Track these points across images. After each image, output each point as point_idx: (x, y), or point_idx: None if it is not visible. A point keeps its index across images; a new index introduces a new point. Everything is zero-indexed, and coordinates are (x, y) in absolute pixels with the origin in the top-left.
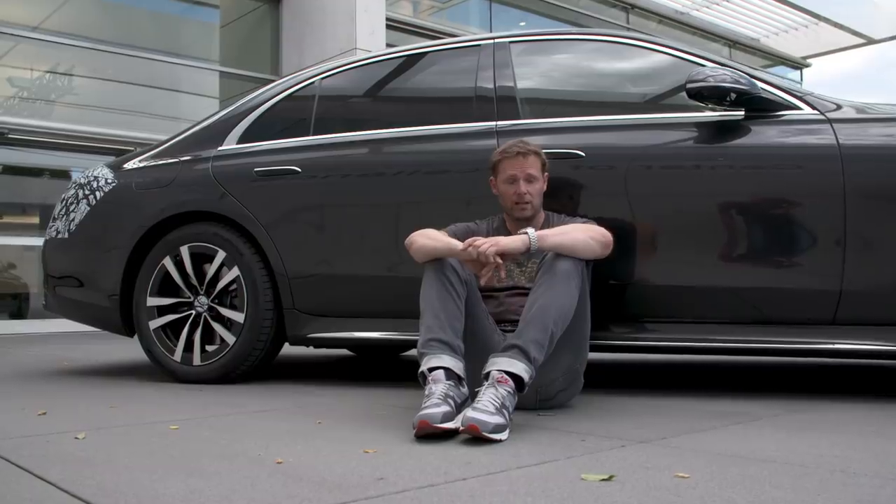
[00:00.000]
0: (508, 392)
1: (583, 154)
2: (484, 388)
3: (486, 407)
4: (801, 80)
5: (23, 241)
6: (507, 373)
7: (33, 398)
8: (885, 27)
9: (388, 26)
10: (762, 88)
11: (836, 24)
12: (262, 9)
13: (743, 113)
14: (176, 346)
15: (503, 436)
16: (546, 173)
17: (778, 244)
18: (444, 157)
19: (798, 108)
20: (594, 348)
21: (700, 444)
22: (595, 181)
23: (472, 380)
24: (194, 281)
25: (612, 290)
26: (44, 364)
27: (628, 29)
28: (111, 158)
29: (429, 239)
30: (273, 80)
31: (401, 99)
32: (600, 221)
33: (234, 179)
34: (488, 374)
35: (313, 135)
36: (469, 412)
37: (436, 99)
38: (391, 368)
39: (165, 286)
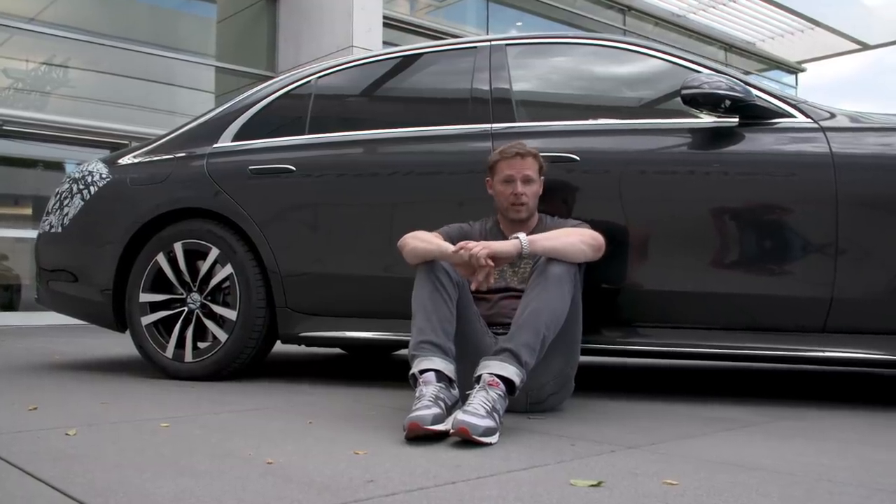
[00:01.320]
0: (499, 395)
1: (577, 158)
2: (475, 391)
3: (477, 410)
4: (797, 84)
5: (15, 233)
6: (499, 376)
7: (24, 393)
8: (880, 33)
9: (384, 24)
10: (757, 96)
11: (831, 29)
12: (260, 5)
13: (737, 120)
14: (168, 342)
15: (493, 439)
16: (542, 177)
17: (770, 251)
18: (438, 158)
19: (792, 115)
20: (585, 352)
21: (689, 451)
22: (589, 185)
23: (462, 382)
24: (187, 278)
25: (604, 294)
26: (35, 358)
27: (624, 31)
28: (105, 152)
29: (420, 241)
30: (269, 77)
31: (396, 99)
32: (593, 225)
33: (229, 177)
34: (479, 377)
35: (308, 134)
36: (459, 415)
37: (431, 100)
38: (383, 368)
39: (158, 282)
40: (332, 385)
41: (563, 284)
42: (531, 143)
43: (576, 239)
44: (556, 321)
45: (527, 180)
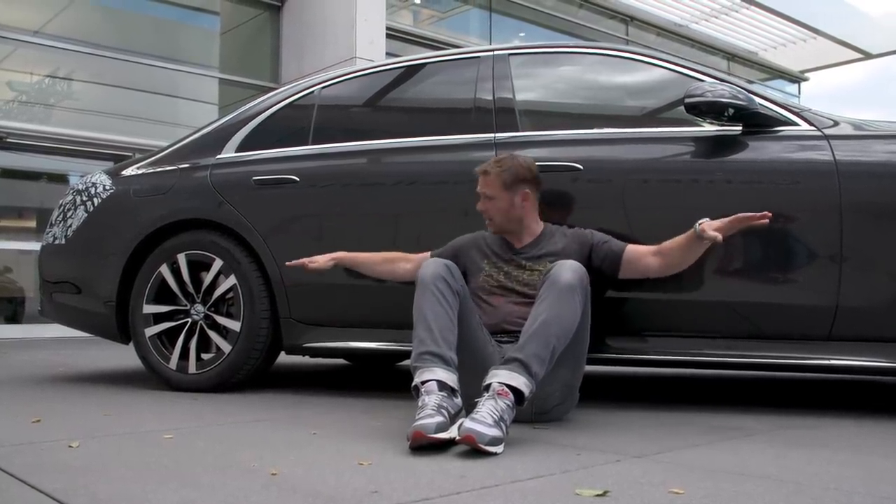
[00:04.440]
0: (508, 405)
1: (581, 167)
2: (483, 399)
3: (485, 419)
4: (799, 93)
5: (19, 245)
6: (508, 386)
7: (27, 405)
8: (883, 42)
9: (387, 35)
10: (760, 104)
11: (833, 39)
12: (263, 16)
13: (740, 128)
14: (171, 353)
15: (499, 449)
16: (523, 188)
17: (774, 259)
18: (442, 168)
19: (795, 124)
20: (590, 361)
21: (695, 460)
22: (593, 194)
23: (465, 392)
24: (191, 289)
25: (608, 303)
26: (38, 370)
27: (627, 41)
28: (109, 164)
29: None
30: (272, 88)
31: (400, 109)
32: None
33: (233, 188)
34: (489, 385)
35: (312, 144)
36: (467, 423)
37: (435, 110)
38: (387, 378)
39: (162, 294)
40: (336, 396)
41: (574, 295)
42: (535, 153)
43: None
44: (567, 333)
45: (486, 197)
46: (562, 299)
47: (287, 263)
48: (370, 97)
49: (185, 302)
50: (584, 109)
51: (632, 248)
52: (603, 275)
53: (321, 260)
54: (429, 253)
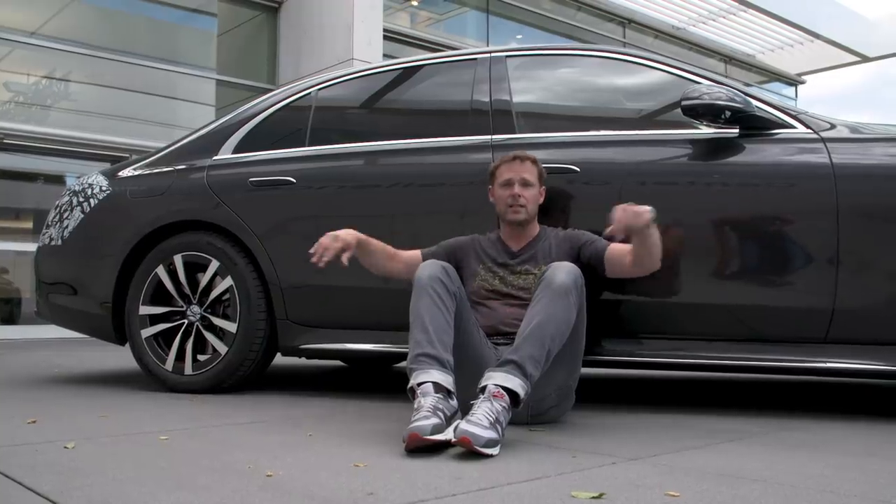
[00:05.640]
0: (503, 407)
1: (577, 169)
2: (479, 401)
3: (481, 421)
4: (797, 96)
5: (16, 246)
6: (504, 388)
7: (23, 406)
8: (880, 45)
9: (385, 37)
10: (757, 107)
11: (830, 42)
12: (260, 18)
13: (737, 131)
14: (167, 355)
15: (495, 451)
16: (543, 186)
17: (771, 262)
18: (439, 169)
19: (792, 126)
20: (586, 364)
21: (691, 462)
22: (589, 196)
23: (461, 394)
24: (187, 290)
25: (604, 305)
26: (35, 371)
27: (624, 44)
28: (106, 165)
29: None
30: (270, 90)
31: (397, 111)
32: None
33: (229, 189)
34: (484, 387)
35: (309, 146)
36: (463, 425)
37: (432, 112)
38: (383, 380)
39: (158, 295)
40: (332, 398)
41: (568, 296)
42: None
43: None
44: (562, 334)
45: (525, 183)
46: (556, 301)
47: (314, 260)
48: (367, 99)
49: (181, 303)
50: (582, 111)
51: (612, 248)
52: (594, 274)
53: (346, 236)
54: (419, 251)
